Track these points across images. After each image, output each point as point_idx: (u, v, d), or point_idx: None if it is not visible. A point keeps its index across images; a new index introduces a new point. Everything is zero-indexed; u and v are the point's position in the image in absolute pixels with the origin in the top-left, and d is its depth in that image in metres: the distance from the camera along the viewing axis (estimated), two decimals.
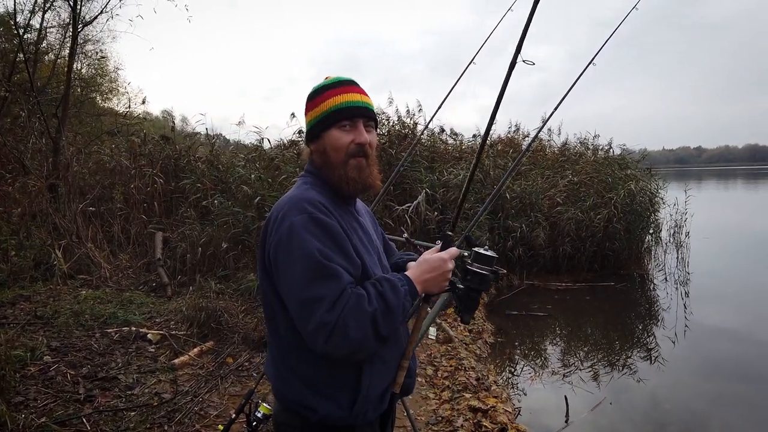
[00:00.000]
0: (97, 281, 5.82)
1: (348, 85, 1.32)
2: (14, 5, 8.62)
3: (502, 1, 3.16)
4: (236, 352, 4.13)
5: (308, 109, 1.33)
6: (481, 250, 1.32)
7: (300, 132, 7.91)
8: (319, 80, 1.38)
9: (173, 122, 10.73)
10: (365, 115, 1.30)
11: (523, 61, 1.39)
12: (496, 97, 1.43)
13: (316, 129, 1.30)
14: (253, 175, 6.94)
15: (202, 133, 9.22)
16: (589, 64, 2.70)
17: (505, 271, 1.39)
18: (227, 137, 10.76)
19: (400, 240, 3.23)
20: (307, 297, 1.11)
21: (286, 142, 8.43)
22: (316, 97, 1.32)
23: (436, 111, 3.35)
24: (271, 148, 8.39)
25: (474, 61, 3.12)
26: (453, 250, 1.31)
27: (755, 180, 43.20)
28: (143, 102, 11.82)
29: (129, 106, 11.48)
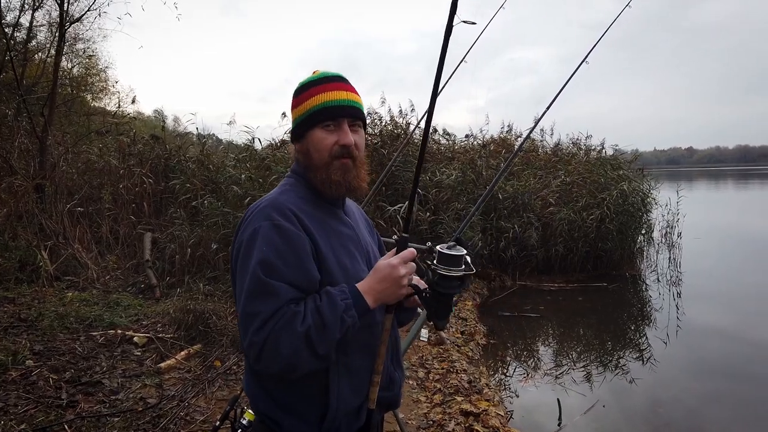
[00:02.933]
0: (84, 283, 5.72)
1: (334, 81, 1.23)
2: (1, 3, 8.48)
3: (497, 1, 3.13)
4: (224, 356, 4.06)
5: (293, 107, 1.26)
6: (445, 249, 1.14)
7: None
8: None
9: (164, 122, 10.62)
10: (350, 114, 1.22)
11: (463, 21, 1.13)
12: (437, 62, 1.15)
13: (300, 128, 1.24)
14: (243, 176, 6.89)
15: (194, 132, 9.14)
16: (582, 62, 2.68)
17: (475, 270, 1.23)
18: (219, 137, 10.69)
19: (391, 242, 3.19)
20: (247, 311, 1.08)
21: (277, 141, 8.39)
22: (300, 94, 1.24)
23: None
24: (263, 148, 8.34)
25: (465, 59, 3.09)
26: (405, 253, 1.14)
27: (745, 180, 43.58)
28: (133, 101, 11.70)
29: (119, 106, 11.36)
